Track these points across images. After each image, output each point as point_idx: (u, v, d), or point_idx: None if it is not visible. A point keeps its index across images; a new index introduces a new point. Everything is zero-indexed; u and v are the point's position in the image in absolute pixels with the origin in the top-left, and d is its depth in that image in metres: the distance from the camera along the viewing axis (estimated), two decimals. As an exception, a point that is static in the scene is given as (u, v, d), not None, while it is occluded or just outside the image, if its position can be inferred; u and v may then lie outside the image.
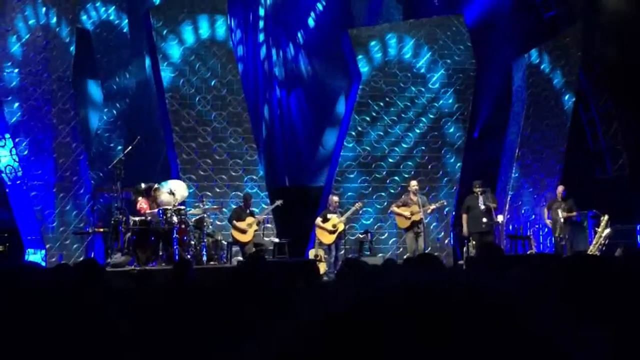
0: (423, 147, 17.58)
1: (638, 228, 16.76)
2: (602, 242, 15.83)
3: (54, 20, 15.08)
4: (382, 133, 17.41)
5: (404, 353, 0.94)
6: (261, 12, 18.99)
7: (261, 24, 19.00)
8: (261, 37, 18.97)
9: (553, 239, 16.79)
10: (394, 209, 15.48)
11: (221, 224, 15.78)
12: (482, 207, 15.36)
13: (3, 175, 14.63)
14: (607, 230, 15.93)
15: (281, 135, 19.04)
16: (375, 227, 17.19)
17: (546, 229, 17.73)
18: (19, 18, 14.61)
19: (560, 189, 16.72)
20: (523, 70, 18.65)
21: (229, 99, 16.52)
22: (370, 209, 17.22)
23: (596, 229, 16.21)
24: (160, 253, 13.43)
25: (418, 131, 17.58)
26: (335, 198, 15.77)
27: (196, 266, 12.62)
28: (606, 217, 15.96)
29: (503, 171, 18.68)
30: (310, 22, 19.38)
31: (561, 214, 16.17)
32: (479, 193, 15.51)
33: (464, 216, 15.66)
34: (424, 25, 17.86)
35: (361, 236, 16.79)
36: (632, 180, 18.71)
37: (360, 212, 16.75)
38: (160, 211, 13.65)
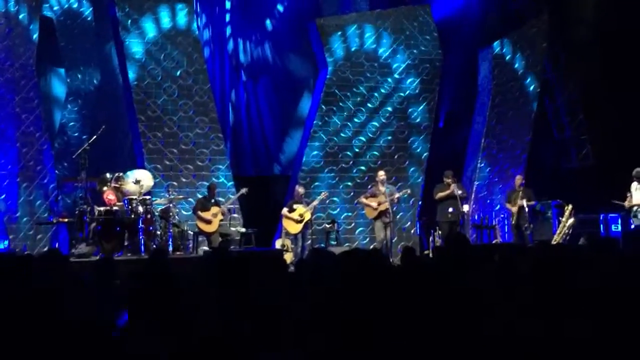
0: (389, 137, 17.62)
1: (602, 218, 16.93)
2: (566, 231, 15.99)
3: (16, 8, 14.87)
4: (348, 123, 17.42)
5: None
6: (227, 5, 18.87)
7: (227, 17, 18.88)
8: (228, 30, 18.85)
9: (511, 227, 16.83)
10: (362, 199, 15.49)
11: (187, 214, 15.70)
12: (460, 191, 15.41)
13: (-35, 165, 14.44)
14: (571, 220, 16.08)
15: (248, 125, 18.95)
16: (342, 216, 17.22)
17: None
18: (-20, 5, 14.39)
19: (518, 178, 16.76)
20: (489, 60, 18.75)
21: (195, 89, 16.42)
22: (337, 199, 17.24)
23: (560, 218, 16.35)
24: (126, 243, 13.33)
25: (384, 121, 17.63)
26: (301, 190, 15.71)
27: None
28: (570, 206, 16.11)
29: (469, 161, 18.78)
30: (277, 11, 19.29)
31: (519, 202, 16.22)
32: (451, 182, 15.55)
33: (441, 194, 15.62)
34: (391, 16, 17.89)
35: (328, 226, 16.81)
36: (597, 170, 18.89)
37: (327, 201, 16.76)
38: (126, 201, 13.55)
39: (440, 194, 15.63)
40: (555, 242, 15.37)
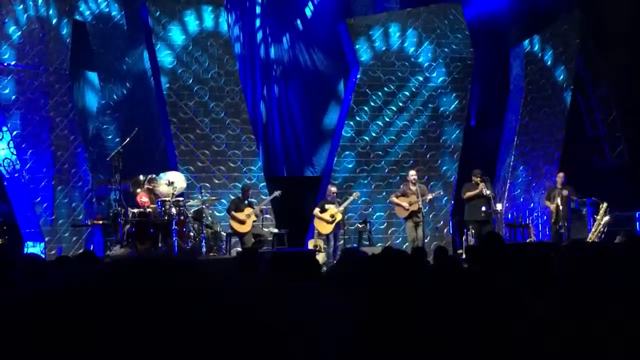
0: (422, 137, 17.56)
1: (637, 215, 16.75)
2: (601, 229, 15.83)
3: (51, 12, 15.03)
4: (380, 123, 17.39)
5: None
6: (258, 5, 18.95)
7: (258, 9, 18.95)
8: (258, 22, 18.91)
9: (550, 226, 16.75)
10: (393, 199, 15.47)
11: (220, 215, 15.76)
12: (488, 191, 15.32)
13: (1, 168, 14.59)
14: (606, 218, 15.92)
15: (279, 126, 19.00)
16: (374, 216, 17.19)
17: (545, 217, 17.72)
18: (15, 10, 14.55)
19: (560, 175, 16.71)
20: (521, 58, 18.61)
21: (227, 90, 16.48)
22: (369, 199, 17.21)
23: (595, 216, 16.20)
24: (160, 245, 13.42)
25: (417, 120, 17.57)
26: (333, 189, 15.75)
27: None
28: (605, 204, 15.95)
29: (501, 159, 18.66)
30: (308, 11, 19.31)
31: (559, 200, 16.16)
32: (479, 182, 15.48)
33: (469, 194, 15.52)
34: (422, 14, 17.82)
35: (360, 226, 16.78)
36: (631, 167, 18.69)
37: (359, 201, 16.75)
38: (159, 203, 13.64)
39: (469, 194, 15.56)
40: (590, 240, 15.22)
